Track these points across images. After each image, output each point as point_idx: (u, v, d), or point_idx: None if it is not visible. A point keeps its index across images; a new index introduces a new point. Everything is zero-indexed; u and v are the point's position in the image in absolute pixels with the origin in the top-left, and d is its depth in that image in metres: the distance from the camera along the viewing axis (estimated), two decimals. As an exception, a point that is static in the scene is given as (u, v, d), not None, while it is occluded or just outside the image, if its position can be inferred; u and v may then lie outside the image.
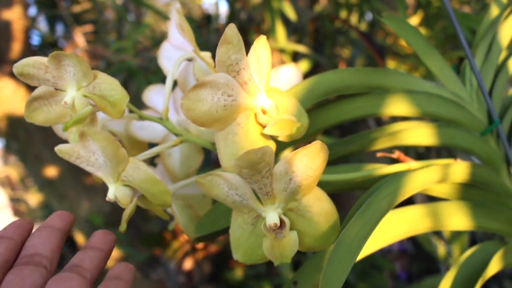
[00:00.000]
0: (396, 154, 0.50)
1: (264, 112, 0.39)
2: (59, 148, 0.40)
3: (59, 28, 1.89)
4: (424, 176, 0.45)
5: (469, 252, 0.53)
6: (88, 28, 1.62)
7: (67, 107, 0.41)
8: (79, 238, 1.65)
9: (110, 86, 0.40)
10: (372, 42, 1.20)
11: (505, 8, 0.59)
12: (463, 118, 0.53)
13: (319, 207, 0.39)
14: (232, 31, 0.37)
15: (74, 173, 1.49)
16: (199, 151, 0.52)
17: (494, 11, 0.60)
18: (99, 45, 1.58)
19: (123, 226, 0.41)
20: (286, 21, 1.18)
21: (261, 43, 0.41)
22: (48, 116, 0.43)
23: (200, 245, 1.47)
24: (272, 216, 0.37)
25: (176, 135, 0.46)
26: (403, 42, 1.38)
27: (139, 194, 0.42)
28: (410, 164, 0.48)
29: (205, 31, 1.46)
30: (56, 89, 0.42)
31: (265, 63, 0.41)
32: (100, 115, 0.45)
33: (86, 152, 0.40)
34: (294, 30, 1.32)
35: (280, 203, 0.37)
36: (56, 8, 1.66)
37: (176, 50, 0.49)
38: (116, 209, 1.73)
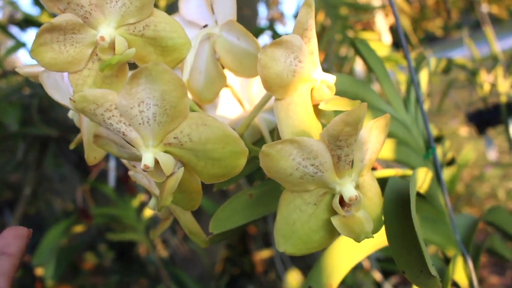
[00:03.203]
0: (375, 164, 0.53)
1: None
2: (83, 94, 0.30)
3: None
4: (421, 175, 0.49)
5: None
6: None
7: (102, 45, 0.32)
8: None
9: (171, 27, 0.33)
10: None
11: (418, 61, 0.72)
12: (411, 141, 0.61)
13: (376, 188, 0.38)
14: (312, -3, 0.36)
15: None
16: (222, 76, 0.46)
17: (413, 62, 0.72)
18: None
19: (167, 200, 0.31)
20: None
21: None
22: (58, 57, 0.32)
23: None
24: (350, 189, 0.34)
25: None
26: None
27: (180, 165, 0.33)
28: (397, 170, 0.51)
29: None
30: (84, 22, 0.32)
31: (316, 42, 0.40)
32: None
33: (129, 100, 0.30)
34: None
35: (355, 175, 0.35)
36: None
37: (186, 26, 0.44)
38: None
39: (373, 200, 0.38)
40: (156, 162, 0.32)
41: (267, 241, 1.98)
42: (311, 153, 0.33)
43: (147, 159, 0.31)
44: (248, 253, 2.02)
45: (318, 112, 0.40)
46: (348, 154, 0.34)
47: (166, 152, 0.32)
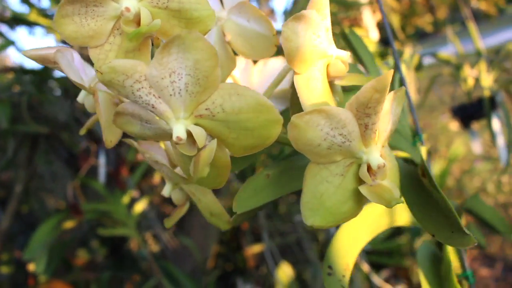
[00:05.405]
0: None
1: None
2: (112, 65, 0.29)
3: None
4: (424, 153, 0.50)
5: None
6: None
7: (126, 17, 0.31)
8: None
9: (195, -2, 0.32)
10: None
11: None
12: (400, 128, 0.62)
13: (393, 159, 0.39)
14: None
15: None
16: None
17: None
18: None
19: (205, 171, 0.31)
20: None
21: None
22: (78, 30, 0.31)
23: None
24: (377, 157, 0.35)
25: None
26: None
27: (210, 139, 0.33)
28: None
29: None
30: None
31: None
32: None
33: (161, 71, 0.30)
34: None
35: (379, 145, 0.36)
36: None
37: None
38: None
39: (392, 171, 0.38)
40: (187, 134, 0.31)
41: (257, 235, 1.96)
42: (339, 122, 0.33)
43: (179, 131, 0.31)
44: (240, 249, 2.01)
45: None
46: (374, 122, 0.34)
47: (196, 124, 0.32)
